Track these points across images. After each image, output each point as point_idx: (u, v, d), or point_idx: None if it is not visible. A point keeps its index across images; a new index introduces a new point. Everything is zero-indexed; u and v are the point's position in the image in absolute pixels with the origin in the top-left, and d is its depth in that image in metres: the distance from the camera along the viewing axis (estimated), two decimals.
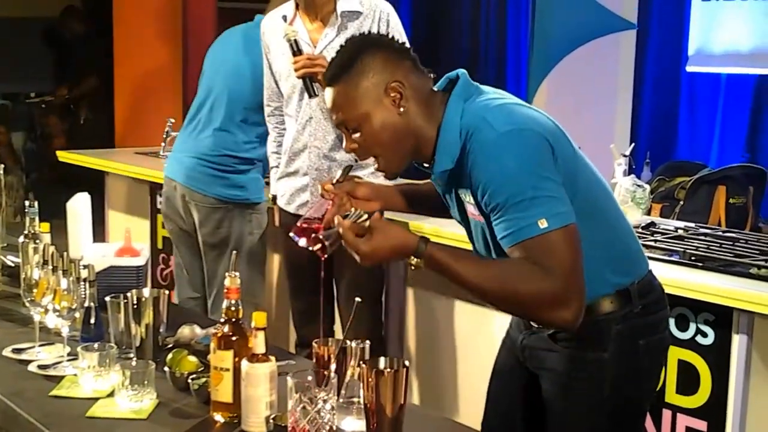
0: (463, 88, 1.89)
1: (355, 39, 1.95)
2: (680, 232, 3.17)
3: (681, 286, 2.59)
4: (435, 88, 1.94)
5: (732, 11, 5.37)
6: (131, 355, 2.21)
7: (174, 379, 2.07)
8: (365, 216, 1.80)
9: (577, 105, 4.97)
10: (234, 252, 2.09)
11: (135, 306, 2.20)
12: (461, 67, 1.96)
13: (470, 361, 3.32)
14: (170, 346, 2.28)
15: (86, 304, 2.31)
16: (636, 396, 1.99)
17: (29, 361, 2.24)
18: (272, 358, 1.83)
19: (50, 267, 2.25)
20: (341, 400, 1.82)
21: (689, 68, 5.65)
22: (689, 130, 5.87)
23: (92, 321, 2.32)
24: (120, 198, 4.86)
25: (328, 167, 3.12)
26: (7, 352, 2.30)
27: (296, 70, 3.04)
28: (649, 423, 2.74)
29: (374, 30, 2.99)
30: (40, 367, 2.20)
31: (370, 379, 1.71)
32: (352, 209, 1.91)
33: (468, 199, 1.88)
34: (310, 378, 1.74)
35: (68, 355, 2.22)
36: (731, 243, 2.97)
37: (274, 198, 3.35)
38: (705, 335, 2.62)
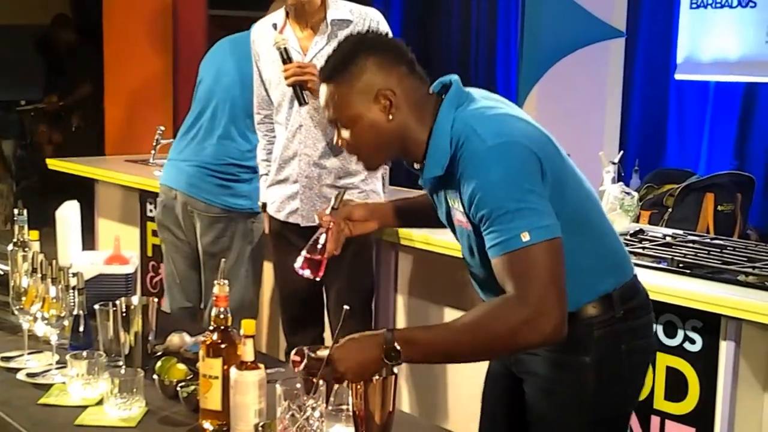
0: (454, 95, 1.90)
1: (352, 38, 1.96)
2: (668, 239, 3.18)
3: (669, 293, 2.60)
4: (431, 91, 1.94)
5: (720, 19, 5.40)
6: (120, 363, 2.20)
7: (163, 387, 2.07)
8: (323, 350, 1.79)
9: (567, 112, 4.99)
10: (222, 260, 2.09)
11: (124, 314, 2.20)
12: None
13: (459, 368, 3.32)
14: (159, 353, 2.28)
15: (75, 312, 2.31)
16: (619, 401, 2.00)
17: (18, 369, 2.23)
18: (261, 365, 1.83)
19: (39, 275, 2.25)
20: (330, 408, 1.82)
21: (678, 76, 5.67)
22: (678, 137, 5.90)
23: (81, 329, 2.31)
24: (110, 206, 4.85)
25: (318, 175, 3.12)
26: None
27: (286, 78, 3.04)
28: (637, 429, 2.75)
29: None
30: (28, 375, 2.20)
31: (358, 387, 1.71)
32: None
33: (456, 205, 1.89)
34: (298, 386, 1.74)
35: (57, 363, 2.22)
36: (719, 250, 2.99)
37: (264, 206, 3.35)
38: (693, 342, 2.63)
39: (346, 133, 1.92)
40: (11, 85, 8.02)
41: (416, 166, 1.96)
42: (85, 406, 2.01)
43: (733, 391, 2.54)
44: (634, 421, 2.76)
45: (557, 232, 1.76)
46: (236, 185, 3.59)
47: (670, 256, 2.84)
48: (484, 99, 1.93)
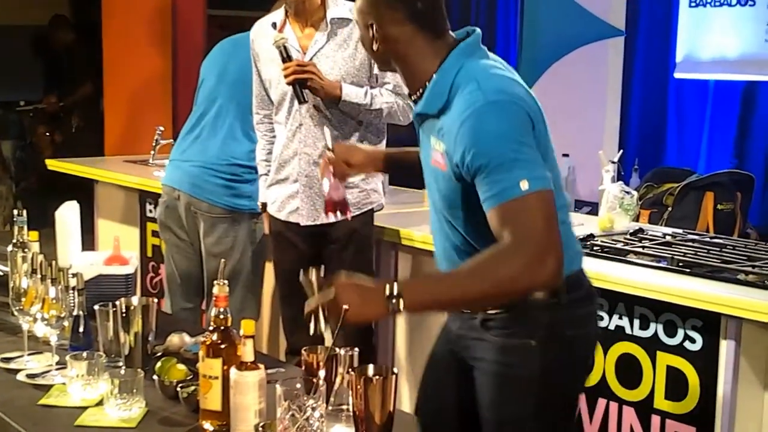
0: (469, 45, 1.98)
1: None
2: (668, 238, 3.18)
3: (669, 292, 2.60)
4: (454, 36, 2.01)
5: (720, 18, 5.39)
6: (120, 364, 2.20)
7: (163, 388, 2.07)
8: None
9: (566, 111, 4.98)
10: (222, 261, 2.09)
11: (124, 314, 2.20)
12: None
13: None
14: (159, 354, 2.28)
15: (75, 313, 2.31)
16: (566, 387, 2.04)
17: (18, 370, 2.23)
18: (261, 366, 1.83)
19: (39, 276, 2.25)
20: (330, 408, 1.82)
21: (677, 75, 5.66)
22: (677, 136, 5.89)
23: (81, 329, 2.31)
24: (109, 206, 4.85)
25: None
26: None
27: (286, 76, 3.04)
28: (637, 429, 2.75)
29: None
30: (28, 376, 2.20)
31: (359, 387, 1.71)
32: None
33: (438, 147, 1.94)
34: (298, 386, 1.74)
35: (57, 363, 2.22)
36: (719, 249, 2.99)
37: (264, 206, 3.35)
38: (693, 341, 2.63)
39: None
40: (10, 85, 8.01)
41: (413, 97, 2.02)
42: (85, 407, 2.01)
43: (733, 390, 2.54)
44: (634, 420, 2.76)
45: (551, 185, 1.82)
46: (240, 185, 3.58)
47: (670, 255, 2.84)
48: (495, 61, 2.00)
